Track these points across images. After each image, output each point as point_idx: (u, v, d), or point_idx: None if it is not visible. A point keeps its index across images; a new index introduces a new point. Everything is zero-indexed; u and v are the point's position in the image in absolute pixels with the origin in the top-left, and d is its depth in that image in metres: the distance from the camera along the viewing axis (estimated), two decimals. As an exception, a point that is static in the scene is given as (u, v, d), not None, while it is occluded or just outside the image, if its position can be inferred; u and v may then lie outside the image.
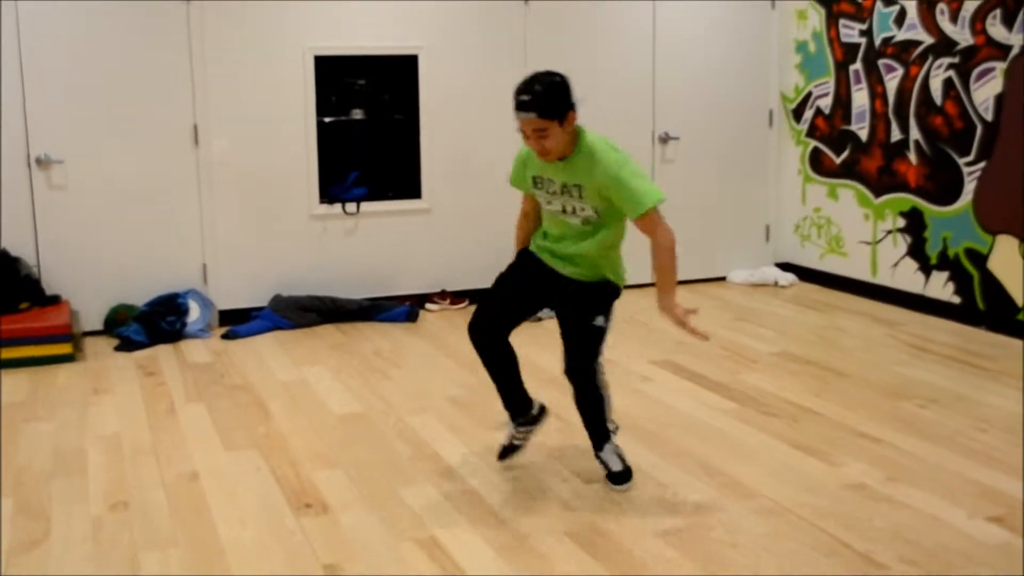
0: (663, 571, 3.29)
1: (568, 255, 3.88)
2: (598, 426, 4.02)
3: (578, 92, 3.73)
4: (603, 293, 3.90)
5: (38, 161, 6.17)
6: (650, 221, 3.71)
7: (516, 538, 3.54)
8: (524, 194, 4.05)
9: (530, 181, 3.90)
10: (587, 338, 3.86)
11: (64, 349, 5.81)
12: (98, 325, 6.39)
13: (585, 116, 7.45)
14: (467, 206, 7.07)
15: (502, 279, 4.06)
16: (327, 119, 6.80)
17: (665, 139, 7.51)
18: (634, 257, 7.38)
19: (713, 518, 3.67)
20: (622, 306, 6.90)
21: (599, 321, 3.86)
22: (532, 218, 4.09)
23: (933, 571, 3.26)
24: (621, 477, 3.96)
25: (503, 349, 3.96)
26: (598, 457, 4.03)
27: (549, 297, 3.98)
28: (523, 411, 4.09)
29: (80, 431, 4.70)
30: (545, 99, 3.57)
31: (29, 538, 3.60)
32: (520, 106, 3.59)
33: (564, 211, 3.81)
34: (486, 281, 7.00)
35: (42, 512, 3.81)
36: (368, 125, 7.00)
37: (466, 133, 7.04)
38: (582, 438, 4.27)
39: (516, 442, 4.18)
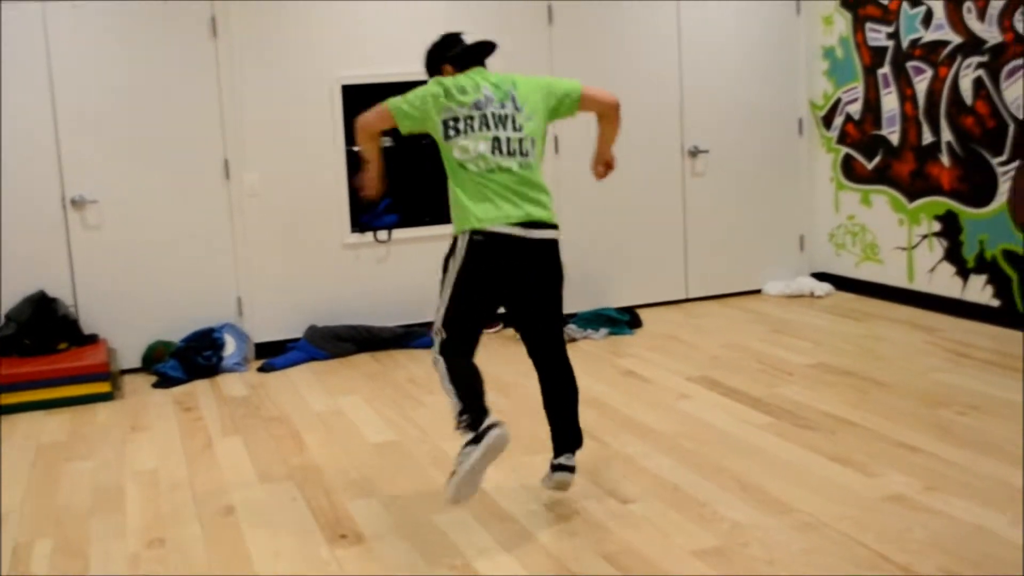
0: (699, 591, 3.25)
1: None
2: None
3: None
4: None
5: (73, 202, 6.26)
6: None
7: (553, 562, 3.51)
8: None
9: None
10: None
11: (103, 388, 5.87)
12: (136, 363, 6.46)
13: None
14: (498, 228, 7.07)
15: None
16: (356, 148, 6.82)
17: (695, 152, 7.47)
18: (656, 275, 7.28)
19: (750, 535, 3.63)
20: (655, 325, 6.90)
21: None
22: None
23: (975, 582, 3.20)
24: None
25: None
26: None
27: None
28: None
29: (119, 468, 4.74)
30: (425, 59, 4.05)
31: (68, 578, 3.64)
32: None
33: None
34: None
35: (80, 551, 3.85)
36: (397, 152, 7.02)
37: (494, 156, 7.04)
38: (619, 459, 4.26)
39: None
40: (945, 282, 6.68)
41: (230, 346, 6.39)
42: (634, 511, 3.89)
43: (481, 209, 3.70)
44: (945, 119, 6.56)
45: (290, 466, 4.63)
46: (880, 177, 7.17)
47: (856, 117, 7.33)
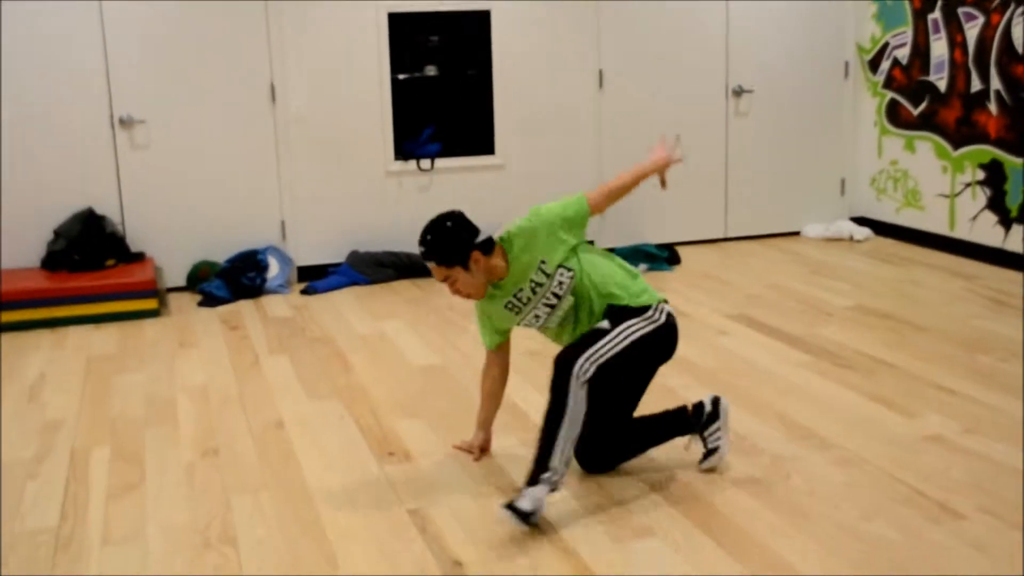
0: (742, 519, 3.33)
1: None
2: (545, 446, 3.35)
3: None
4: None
5: (121, 121, 6.33)
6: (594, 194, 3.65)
7: (597, 486, 3.60)
8: (489, 351, 3.83)
9: (504, 318, 3.67)
10: (587, 335, 3.48)
11: (150, 304, 5.98)
12: (181, 281, 6.56)
13: (659, 72, 7.43)
14: (540, 161, 7.11)
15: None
16: (401, 76, 6.86)
17: (739, 92, 7.45)
18: (696, 213, 7.31)
19: (791, 468, 3.71)
20: (694, 262, 6.94)
21: (603, 323, 3.51)
22: (497, 376, 3.86)
23: (1013, 521, 3.26)
24: (523, 516, 3.25)
25: None
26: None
27: None
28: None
29: (169, 382, 4.85)
30: (438, 247, 3.47)
31: (126, 482, 3.75)
32: (421, 255, 3.53)
33: (551, 314, 3.60)
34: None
35: (137, 458, 3.97)
36: (442, 81, 7.05)
37: (539, 88, 7.07)
38: (660, 390, 4.32)
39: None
40: (987, 231, 6.68)
41: (273, 268, 6.49)
42: (675, 443, 3.96)
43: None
44: (995, 67, 6.51)
45: (337, 385, 4.73)
46: (925, 123, 7.14)
47: (903, 62, 7.28)
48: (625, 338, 3.44)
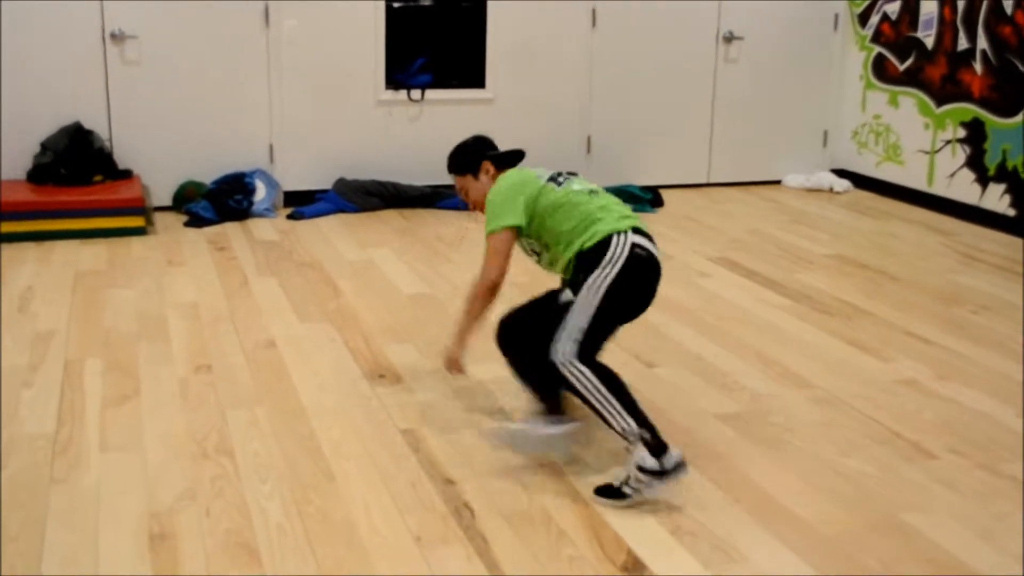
0: (724, 450, 3.46)
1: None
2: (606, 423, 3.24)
3: None
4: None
5: (112, 36, 6.29)
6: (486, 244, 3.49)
7: (582, 414, 3.71)
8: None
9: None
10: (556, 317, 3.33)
11: (137, 222, 6.00)
12: (166, 201, 6.57)
13: (652, 14, 7.40)
14: (529, 97, 7.14)
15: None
16: (396, 4, 6.85)
17: (729, 38, 7.49)
18: (680, 157, 7.35)
19: (771, 405, 3.83)
20: (676, 205, 7.03)
21: (566, 295, 3.36)
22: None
23: (981, 462, 3.41)
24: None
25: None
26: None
27: None
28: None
29: (160, 299, 4.90)
30: (454, 156, 3.70)
31: (121, 392, 3.83)
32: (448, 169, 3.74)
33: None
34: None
35: (131, 370, 4.03)
36: (436, 12, 7.04)
37: (532, 24, 7.07)
38: (641, 325, 4.43)
39: None
40: (964, 188, 6.81)
41: (260, 192, 6.51)
42: (659, 374, 4.09)
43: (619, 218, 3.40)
44: (983, 26, 6.59)
45: (327, 310, 4.80)
46: (910, 79, 7.22)
47: (893, 17, 7.34)
48: (591, 301, 3.23)
